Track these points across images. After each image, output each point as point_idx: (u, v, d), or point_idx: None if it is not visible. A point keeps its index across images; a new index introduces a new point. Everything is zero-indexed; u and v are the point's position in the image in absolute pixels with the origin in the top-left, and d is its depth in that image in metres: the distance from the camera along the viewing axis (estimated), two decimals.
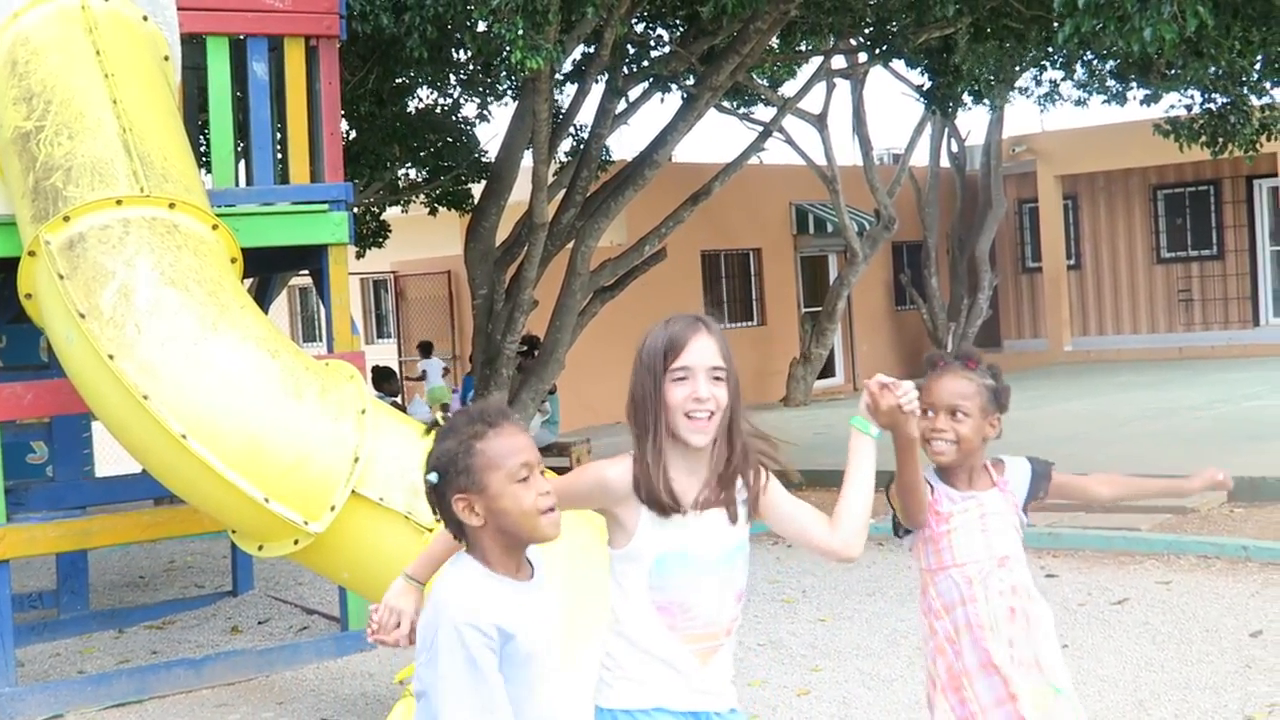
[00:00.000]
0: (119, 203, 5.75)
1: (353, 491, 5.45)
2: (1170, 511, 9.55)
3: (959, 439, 3.39)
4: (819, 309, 20.77)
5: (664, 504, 2.93)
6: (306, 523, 5.44)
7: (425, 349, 17.79)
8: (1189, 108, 15.46)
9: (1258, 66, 14.21)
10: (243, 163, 8.42)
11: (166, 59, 6.72)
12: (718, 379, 3.00)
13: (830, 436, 15.14)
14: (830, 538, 3.12)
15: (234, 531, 5.88)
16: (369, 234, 15.52)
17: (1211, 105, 15.07)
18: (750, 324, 21.62)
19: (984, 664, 3.37)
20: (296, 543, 5.52)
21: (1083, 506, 9.78)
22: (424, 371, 17.69)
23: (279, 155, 7.76)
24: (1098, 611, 7.10)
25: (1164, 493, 3.66)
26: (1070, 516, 9.53)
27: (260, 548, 5.68)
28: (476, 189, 14.72)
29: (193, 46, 7.29)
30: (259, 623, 8.17)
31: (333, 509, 5.44)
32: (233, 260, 6.04)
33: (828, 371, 21.98)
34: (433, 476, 2.70)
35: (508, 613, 2.69)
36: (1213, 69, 13.02)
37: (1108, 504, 3.63)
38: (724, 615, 3.01)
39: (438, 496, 2.71)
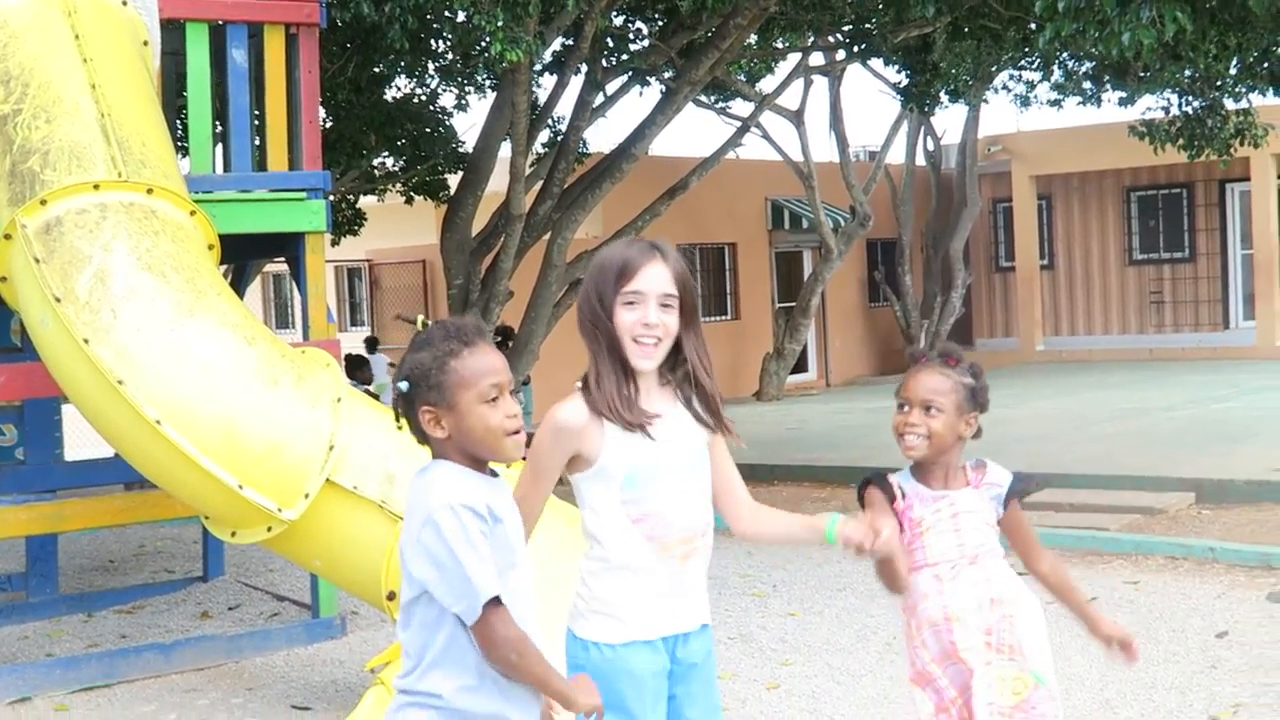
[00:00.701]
0: (96, 187, 5.74)
1: (327, 479, 5.45)
2: (1139, 512, 9.63)
3: (930, 434, 3.39)
4: (793, 304, 20.83)
5: (627, 418, 2.97)
6: (280, 510, 5.44)
7: (371, 344, 17.31)
8: (1165, 110, 15.56)
9: (1233, 71, 14.32)
10: (220, 149, 8.40)
11: (145, 44, 6.70)
12: (667, 306, 3.04)
13: (802, 432, 15.20)
14: (745, 516, 3.27)
15: (207, 518, 5.87)
16: (345, 221, 15.49)
17: (1188, 109, 15.18)
18: (724, 318, 21.67)
19: (948, 653, 3.40)
20: (270, 530, 5.51)
21: (1050, 508, 9.86)
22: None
23: (257, 142, 7.74)
24: (1066, 610, 7.15)
25: (1080, 611, 3.60)
26: (1040, 515, 9.60)
27: (233, 534, 5.68)
28: (453, 179, 14.71)
29: (172, 32, 7.27)
30: (229, 609, 8.16)
31: (307, 496, 5.44)
32: (210, 247, 6.03)
33: (801, 367, 22.04)
34: (403, 385, 2.76)
35: (494, 498, 2.76)
36: (1189, 72, 13.11)
37: (1034, 572, 3.56)
38: (700, 518, 3.10)
39: (405, 405, 2.78)
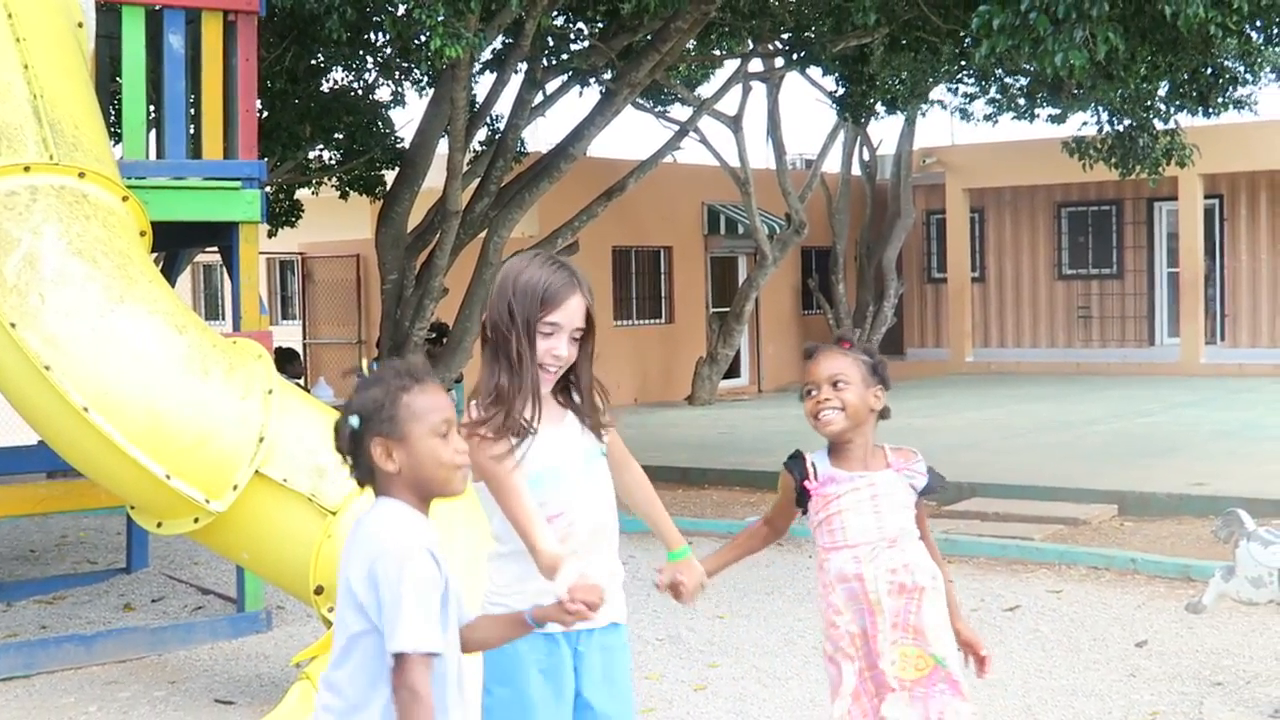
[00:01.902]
0: (27, 169, 5.65)
1: (256, 471, 5.41)
2: (1063, 523, 9.75)
3: (845, 405, 3.47)
4: (727, 309, 20.89)
5: (525, 429, 3.11)
6: (208, 501, 5.39)
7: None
8: (1098, 128, 15.78)
9: (1163, 92, 14.55)
10: (154, 135, 8.30)
11: (80, 26, 6.60)
12: (575, 339, 3.19)
13: (733, 436, 15.26)
14: (630, 484, 3.44)
15: (133, 507, 5.81)
16: (282, 213, 15.35)
17: (1118, 128, 15.41)
18: (658, 322, 21.70)
19: (865, 634, 3.46)
20: (197, 521, 5.46)
21: (976, 517, 9.96)
22: None
23: (192, 130, 7.66)
24: (990, 618, 7.24)
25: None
26: (966, 524, 9.70)
27: (159, 524, 5.62)
28: (389, 174, 14.62)
29: (108, 15, 7.17)
30: (153, 601, 8.06)
31: (235, 488, 5.40)
32: (142, 233, 5.96)
33: (733, 372, 22.11)
34: (354, 420, 2.77)
35: (438, 549, 2.77)
36: (1120, 92, 13.31)
37: None
38: (601, 517, 3.22)
39: (353, 442, 2.78)
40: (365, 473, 2.79)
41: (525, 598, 3.07)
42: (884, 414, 3.57)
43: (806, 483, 3.52)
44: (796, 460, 3.57)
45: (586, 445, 3.25)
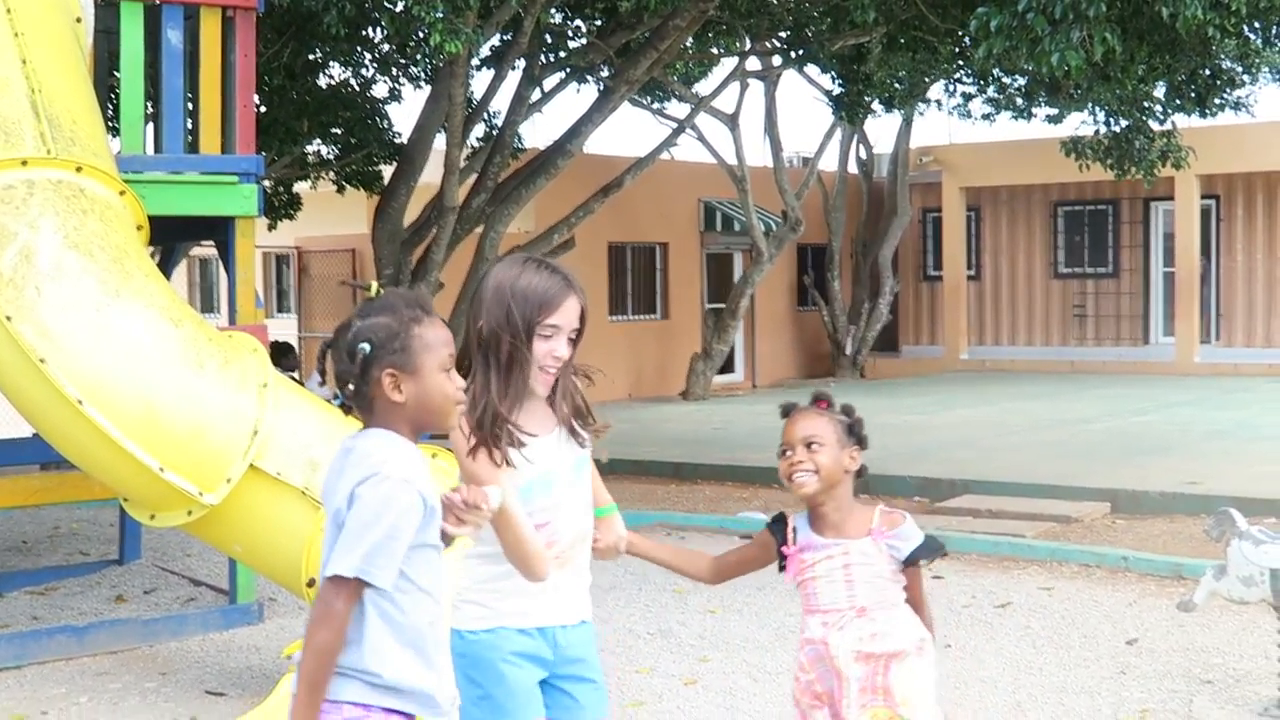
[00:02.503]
0: (24, 163, 5.66)
1: (250, 464, 5.43)
2: (1055, 520, 9.78)
3: (818, 468, 3.43)
4: (722, 306, 20.91)
5: (516, 439, 3.12)
6: (201, 494, 5.41)
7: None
8: (1095, 129, 15.81)
9: (1160, 93, 14.58)
10: (152, 130, 8.31)
11: (79, 21, 6.62)
12: (572, 340, 3.22)
13: (727, 432, 15.28)
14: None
15: (126, 499, 5.83)
16: (280, 206, 15.35)
17: (1115, 128, 15.43)
18: (653, 317, 21.72)
19: (832, 695, 3.46)
20: (190, 513, 5.48)
21: (968, 514, 9.99)
22: None
23: (189, 125, 7.67)
24: (981, 614, 7.27)
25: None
26: (959, 521, 9.72)
27: (152, 517, 5.64)
28: (386, 169, 14.64)
29: (106, 10, 7.19)
30: (145, 592, 8.08)
31: (229, 481, 5.41)
32: (139, 227, 5.98)
33: (728, 368, 22.14)
34: (365, 347, 2.73)
35: (431, 486, 2.78)
36: (1117, 93, 13.33)
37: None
38: (582, 523, 3.26)
39: (361, 368, 2.74)
40: (364, 402, 2.76)
41: (498, 597, 3.14)
42: (860, 473, 3.52)
43: (785, 548, 3.53)
44: (779, 524, 3.57)
45: (576, 453, 3.26)
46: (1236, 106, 15.84)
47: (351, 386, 2.75)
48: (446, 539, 2.83)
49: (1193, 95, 14.39)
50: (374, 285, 2.85)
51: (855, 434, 3.49)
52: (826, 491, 3.46)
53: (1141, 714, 5.58)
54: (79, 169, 5.75)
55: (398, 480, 2.68)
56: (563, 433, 3.24)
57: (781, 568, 3.57)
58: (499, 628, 3.14)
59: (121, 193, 5.91)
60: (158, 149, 7.46)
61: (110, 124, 8.71)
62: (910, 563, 3.48)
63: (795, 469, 3.45)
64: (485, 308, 3.18)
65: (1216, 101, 14.82)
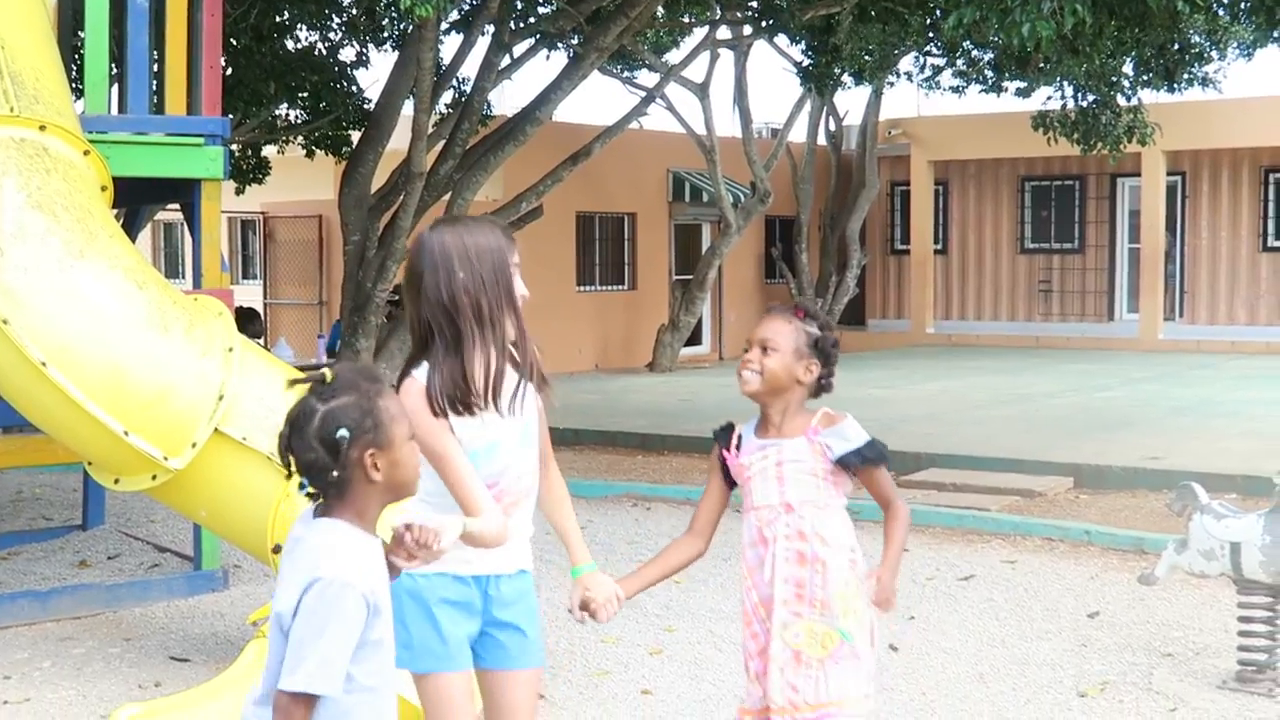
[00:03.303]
0: None
1: (216, 429, 5.40)
2: (1018, 494, 9.84)
3: (763, 370, 3.51)
4: (690, 277, 20.90)
5: (474, 406, 3.19)
6: (166, 458, 5.37)
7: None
8: (1062, 103, 15.84)
9: (1128, 68, 14.62)
10: (117, 90, 8.21)
11: None
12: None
13: (694, 404, 15.29)
14: (541, 495, 3.45)
15: (90, 464, 5.78)
16: (249, 169, 15.21)
17: (1083, 103, 15.47)
18: (621, 288, 21.68)
19: (765, 601, 3.51)
20: (155, 478, 5.45)
21: (933, 488, 10.03)
22: None
23: (155, 85, 7.58)
24: (945, 587, 7.30)
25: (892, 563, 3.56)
26: (923, 494, 9.77)
27: (116, 481, 5.60)
28: (356, 134, 14.53)
29: None
30: (109, 558, 8.03)
31: (194, 446, 5.38)
32: (103, 188, 5.92)
33: (695, 339, 22.13)
34: (345, 433, 2.66)
35: (380, 577, 2.73)
36: (1085, 67, 13.36)
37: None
38: (526, 481, 3.32)
39: (335, 454, 2.66)
40: (340, 486, 2.69)
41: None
42: (823, 388, 3.57)
43: (726, 454, 3.61)
44: (725, 431, 3.66)
45: (526, 419, 3.31)
46: (1204, 83, 15.88)
47: (335, 474, 2.67)
48: (394, 571, 2.80)
49: (1161, 70, 14.43)
50: (328, 373, 2.77)
51: (819, 348, 3.53)
52: (770, 395, 3.53)
53: (1102, 686, 5.62)
54: (42, 127, 5.68)
55: (339, 585, 2.61)
56: (517, 396, 3.28)
57: (730, 484, 3.66)
58: (436, 573, 3.18)
59: (86, 153, 5.84)
60: (122, 109, 7.37)
61: (74, 83, 8.61)
62: (844, 464, 3.51)
63: (744, 366, 3.54)
64: (451, 276, 3.18)
65: (1184, 77, 14.87)
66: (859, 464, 3.52)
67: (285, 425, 2.72)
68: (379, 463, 2.69)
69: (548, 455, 3.47)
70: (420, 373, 3.21)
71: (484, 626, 3.29)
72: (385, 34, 14.50)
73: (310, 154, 15.35)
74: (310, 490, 2.73)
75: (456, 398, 3.17)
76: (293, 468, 2.72)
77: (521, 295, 3.27)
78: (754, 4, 15.24)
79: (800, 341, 3.51)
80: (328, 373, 2.77)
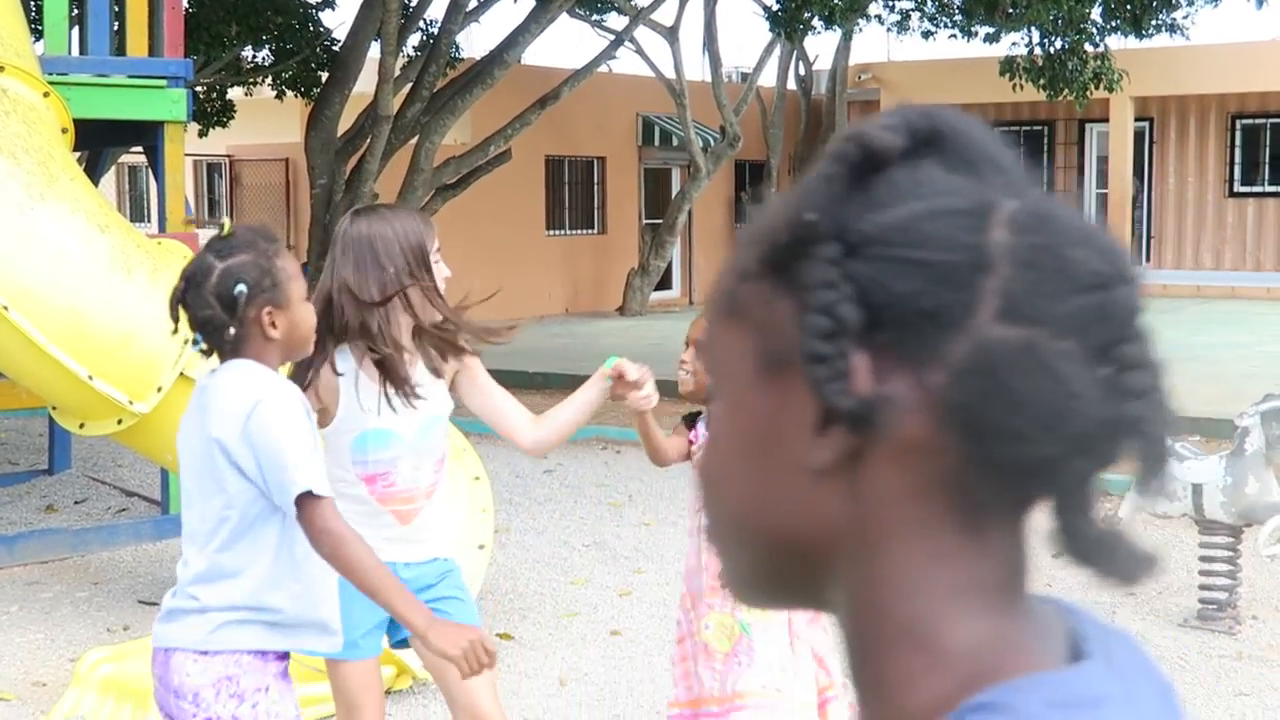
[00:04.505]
0: None
1: (181, 374, 5.37)
2: None
3: (695, 373, 3.54)
4: (659, 221, 20.86)
5: (401, 394, 3.17)
6: (131, 402, 5.34)
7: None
8: (1030, 49, 15.82)
9: (1096, 14, 14.59)
10: (77, 31, 8.10)
11: None
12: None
13: (664, 349, 15.27)
14: (527, 430, 3.38)
15: (55, 408, 5.76)
16: (214, 112, 15.05)
17: (1050, 49, 15.45)
18: (590, 232, 21.63)
19: (693, 593, 3.55)
20: (120, 422, 5.42)
21: None
22: None
23: (116, 26, 7.49)
24: None
25: None
26: None
27: (82, 425, 5.57)
28: (326, 76, 14.40)
29: None
30: (75, 503, 8.00)
31: (160, 390, 5.36)
32: (64, 131, 5.85)
33: (665, 284, 22.12)
34: (242, 288, 2.65)
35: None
36: (1054, 13, 13.33)
37: None
38: (422, 481, 3.29)
39: (232, 310, 2.66)
40: (237, 343, 2.69)
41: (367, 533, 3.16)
42: None
43: (691, 443, 3.66)
44: (691, 418, 3.70)
45: (431, 413, 3.26)
46: (1172, 29, 15.88)
47: (232, 331, 2.67)
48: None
49: (1129, 16, 14.41)
50: (226, 224, 2.76)
51: None
52: (702, 396, 3.53)
53: None
54: (1, 68, 5.60)
55: (283, 397, 2.67)
56: (427, 377, 3.26)
57: None
58: None
59: (46, 94, 5.77)
60: (83, 50, 7.28)
61: (34, 25, 8.50)
62: None
63: (679, 366, 3.60)
64: (379, 263, 3.17)
65: (1152, 23, 14.86)
66: None
67: (180, 280, 2.71)
68: (276, 320, 2.69)
69: (511, 412, 3.41)
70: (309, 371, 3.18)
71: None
72: None
73: (280, 96, 15.20)
74: (204, 347, 2.73)
75: (357, 389, 3.18)
76: (182, 322, 2.73)
77: (444, 277, 3.25)
78: None
79: None
80: (226, 224, 2.76)
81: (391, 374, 3.15)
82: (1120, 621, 5.70)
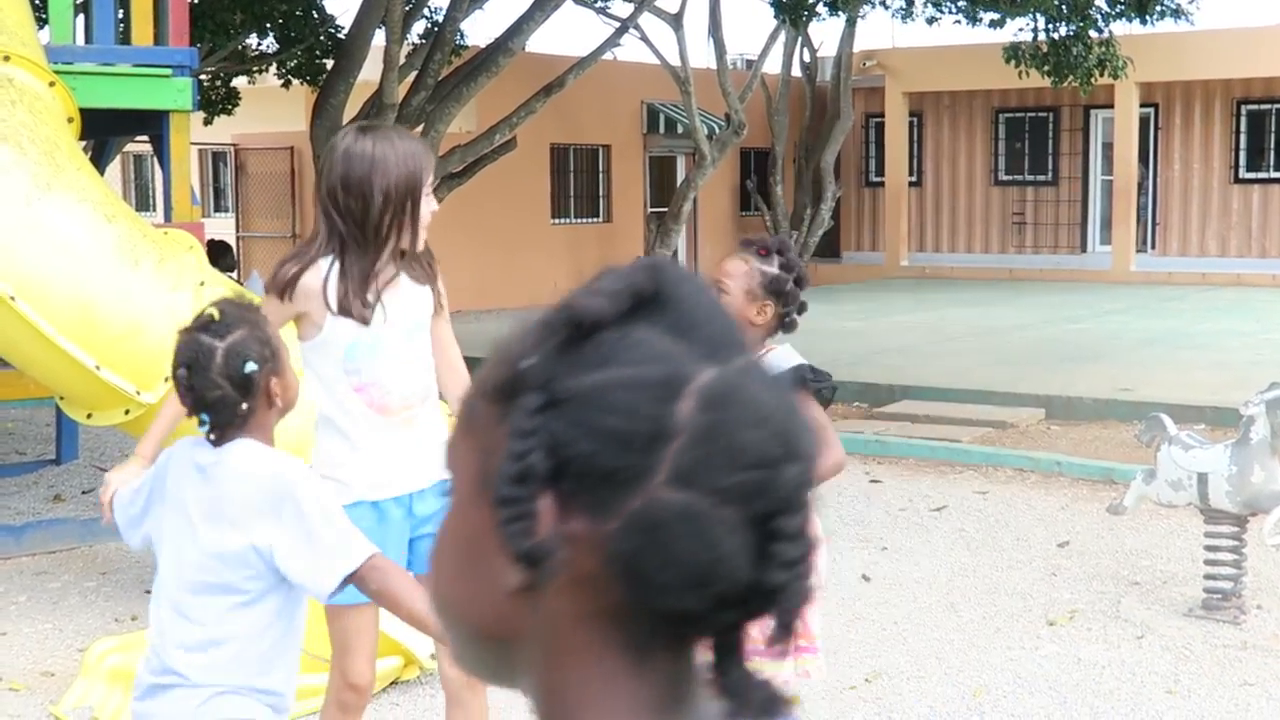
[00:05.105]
0: None
1: None
2: (991, 425, 9.90)
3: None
4: (665, 210, 20.84)
5: (363, 304, 3.24)
6: (139, 393, 5.35)
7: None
8: (1035, 35, 15.77)
9: (1101, 0, 14.55)
10: (82, 20, 8.10)
11: None
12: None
13: None
14: (458, 391, 3.48)
15: (62, 398, 5.76)
16: (218, 101, 15.04)
17: (1054, 35, 15.40)
18: (596, 220, 21.62)
19: None
20: (128, 412, 5.43)
21: (906, 419, 10.08)
22: None
23: (121, 15, 7.48)
24: (917, 517, 7.36)
25: None
26: (898, 426, 9.82)
27: (89, 416, 5.58)
28: (331, 64, 14.38)
29: None
30: (83, 492, 8.02)
31: (167, 380, 5.33)
32: (69, 120, 5.85)
33: None
34: (253, 366, 2.68)
35: None
36: (1059, 0, 13.30)
37: None
38: (418, 384, 3.36)
39: (246, 389, 2.69)
40: (247, 416, 2.71)
41: (350, 472, 3.27)
42: (786, 327, 3.50)
43: None
44: None
45: (415, 314, 3.36)
46: (1177, 14, 15.82)
47: (245, 407, 2.70)
48: None
49: (1133, 2, 14.36)
50: (214, 313, 2.77)
51: (775, 288, 3.45)
52: None
53: (1071, 614, 5.69)
54: (6, 58, 5.60)
55: (304, 475, 2.75)
56: (408, 285, 3.35)
57: None
58: (354, 503, 3.22)
59: (51, 84, 5.77)
60: (88, 39, 7.28)
61: (39, 13, 8.49)
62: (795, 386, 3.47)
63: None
64: (376, 178, 3.21)
65: (1157, 9, 14.80)
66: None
67: (180, 366, 2.71)
68: (276, 388, 2.74)
69: (457, 366, 3.51)
70: (298, 264, 3.28)
71: (412, 541, 3.40)
72: None
73: (287, 84, 15.19)
74: (209, 425, 2.74)
75: (341, 295, 3.23)
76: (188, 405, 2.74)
77: (430, 210, 3.32)
78: None
79: (753, 283, 3.44)
80: (214, 311, 2.76)
81: (355, 280, 3.22)
82: (1125, 610, 5.71)
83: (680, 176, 22.28)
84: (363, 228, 3.22)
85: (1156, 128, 23.16)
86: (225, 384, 2.68)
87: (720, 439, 0.84)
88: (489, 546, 0.87)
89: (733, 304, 3.43)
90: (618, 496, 0.83)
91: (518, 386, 0.86)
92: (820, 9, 16.09)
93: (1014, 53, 15.83)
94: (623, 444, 0.83)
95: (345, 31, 13.46)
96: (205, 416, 2.72)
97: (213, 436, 2.76)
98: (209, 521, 2.73)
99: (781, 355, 3.47)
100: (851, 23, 22.31)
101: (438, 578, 0.93)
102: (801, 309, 3.53)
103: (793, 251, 3.56)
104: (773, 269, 3.46)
